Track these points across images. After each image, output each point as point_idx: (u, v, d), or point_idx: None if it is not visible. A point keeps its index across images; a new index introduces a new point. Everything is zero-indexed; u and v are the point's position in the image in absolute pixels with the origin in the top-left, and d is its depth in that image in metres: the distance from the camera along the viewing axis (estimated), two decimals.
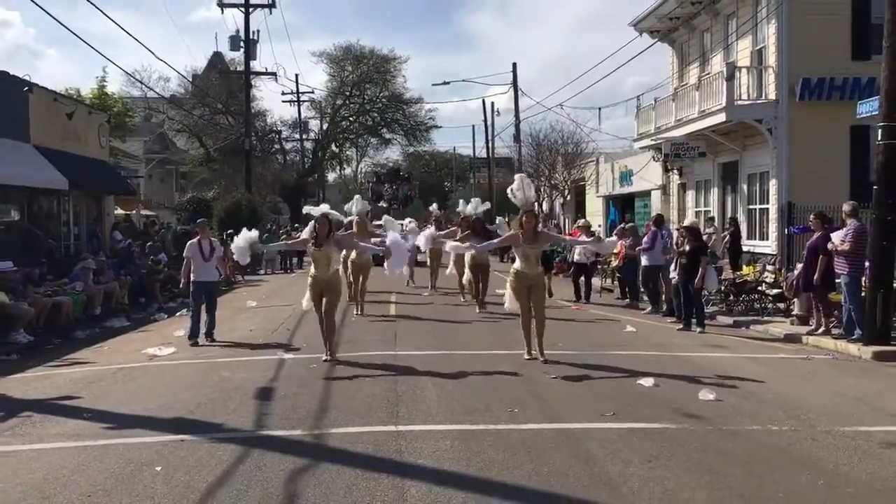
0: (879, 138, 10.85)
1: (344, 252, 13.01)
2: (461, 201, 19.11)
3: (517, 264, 10.13)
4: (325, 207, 10.38)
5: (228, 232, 26.29)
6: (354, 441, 6.36)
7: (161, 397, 8.19)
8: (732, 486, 5.25)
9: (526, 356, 9.89)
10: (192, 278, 11.97)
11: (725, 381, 8.68)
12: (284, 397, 7.96)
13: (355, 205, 16.43)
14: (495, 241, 12.80)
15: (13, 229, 17.43)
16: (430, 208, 23.11)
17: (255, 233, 10.47)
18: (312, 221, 10.22)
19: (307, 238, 10.31)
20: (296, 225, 36.24)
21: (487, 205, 18.64)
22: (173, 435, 6.61)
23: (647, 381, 8.51)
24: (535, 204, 10.86)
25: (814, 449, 6.17)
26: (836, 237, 11.51)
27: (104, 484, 5.42)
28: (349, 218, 16.04)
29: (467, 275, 15.67)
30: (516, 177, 11.13)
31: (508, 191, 10.68)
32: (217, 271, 12.35)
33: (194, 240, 12.24)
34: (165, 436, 6.61)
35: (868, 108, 12.16)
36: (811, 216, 12.48)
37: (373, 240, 14.19)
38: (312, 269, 10.11)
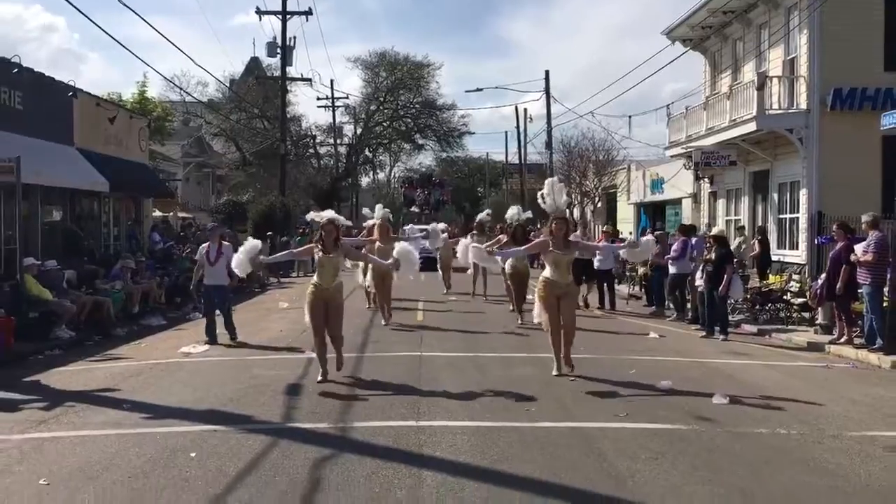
0: None
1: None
2: (487, 215, 19.15)
3: (547, 272, 9.56)
4: (329, 213, 9.69)
5: (268, 234, 26.92)
6: (376, 434, 6.71)
7: (195, 391, 8.61)
8: (734, 484, 5.49)
9: (555, 372, 9.34)
10: (203, 281, 12.58)
11: (741, 386, 8.89)
12: (311, 394, 8.33)
13: (377, 210, 16.36)
14: (522, 248, 11.56)
15: (56, 229, 18.06)
16: (479, 216, 21.31)
17: (257, 243, 9.97)
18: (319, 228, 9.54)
19: (313, 245, 9.58)
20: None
21: (529, 213, 18.00)
22: (207, 425, 7.01)
23: (665, 384, 8.74)
24: (567, 210, 10.33)
25: (819, 452, 6.37)
26: (859, 248, 11.62)
27: (143, 467, 5.83)
28: (369, 221, 16.23)
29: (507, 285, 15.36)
30: (546, 181, 10.62)
31: (539, 196, 10.32)
32: (227, 276, 12.16)
33: (205, 244, 12.73)
34: (199, 426, 7.02)
35: (891, 119, 12.23)
36: (834, 226, 12.57)
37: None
38: (315, 278, 9.39)
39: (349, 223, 11.06)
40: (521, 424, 7.07)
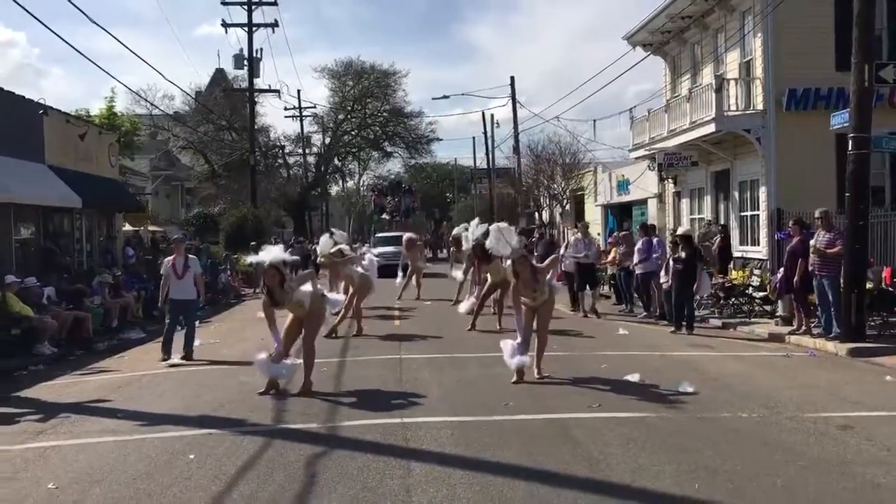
0: (850, 149, 11.58)
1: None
2: (465, 229, 18.29)
3: (523, 298, 9.45)
4: (269, 255, 9.01)
5: (252, 244, 26.98)
6: (365, 432, 7.10)
7: (185, 399, 8.92)
8: (698, 462, 5.96)
9: (514, 379, 9.12)
10: (168, 296, 12.03)
11: (706, 376, 9.43)
12: (299, 397, 8.67)
13: (320, 245, 16.13)
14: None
15: (30, 247, 18.16)
16: (456, 231, 21.19)
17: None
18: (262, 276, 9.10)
19: (265, 300, 9.05)
20: (300, 238, 36.96)
21: (485, 227, 17.11)
22: (201, 429, 7.35)
23: (634, 377, 9.23)
24: (521, 250, 9.85)
25: (777, 432, 6.87)
26: (822, 241, 12.05)
27: (145, 469, 6.16)
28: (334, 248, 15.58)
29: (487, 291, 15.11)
30: (491, 229, 10.26)
31: (489, 242, 10.23)
32: (194, 290, 12.15)
33: (170, 257, 12.27)
34: (194, 430, 7.35)
35: (840, 119, 12.87)
36: (790, 222, 13.17)
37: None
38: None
39: (286, 257, 9.54)
40: (500, 418, 7.50)
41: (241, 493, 5.53)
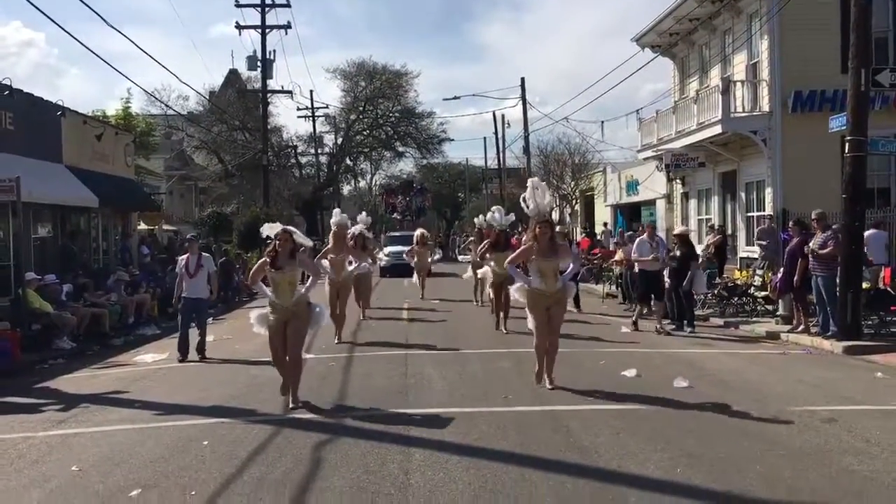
0: (846, 151, 11.85)
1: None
2: (483, 216, 17.55)
3: (533, 282, 8.87)
4: (278, 227, 8.55)
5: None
6: (368, 421, 7.49)
7: (199, 391, 9.33)
8: (683, 450, 6.30)
9: (537, 383, 8.91)
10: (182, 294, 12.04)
11: (702, 372, 9.75)
12: (309, 389, 9.01)
13: (334, 216, 14.41)
14: (508, 259, 9.76)
15: (49, 245, 18.64)
16: (476, 220, 20.07)
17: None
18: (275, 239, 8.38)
19: (264, 260, 8.52)
20: (313, 237, 37.37)
21: (512, 217, 16.32)
22: (214, 418, 7.77)
23: (631, 372, 9.56)
24: (551, 212, 9.30)
25: (763, 424, 7.19)
26: (816, 242, 12.38)
27: (162, 453, 6.56)
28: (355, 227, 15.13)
29: (489, 292, 14.72)
30: (529, 182, 9.70)
31: (521, 199, 9.57)
32: (206, 289, 12.18)
33: (184, 256, 12.35)
34: (208, 419, 7.76)
35: (838, 122, 13.14)
36: (790, 223, 13.44)
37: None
38: (272, 296, 8.40)
39: (310, 243, 9.46)
40: (498, 409, 7.87)
41: (251, 475, 5.91)
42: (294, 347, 8.31)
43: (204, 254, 12.67)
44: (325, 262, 13.17)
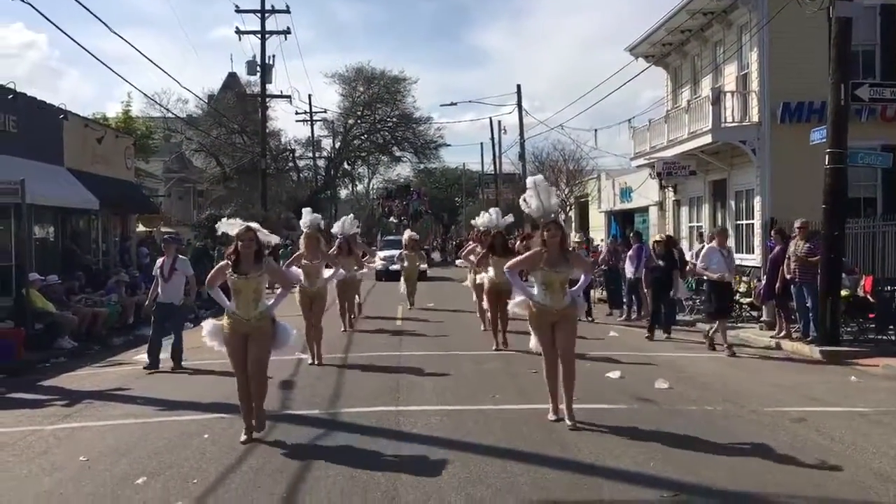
0: (826, 163, 12.26)
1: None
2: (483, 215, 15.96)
3: (536, 295, 7.65)
4: (238, 223, 7.40)
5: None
6: (362, 417, 7.88)
7: (199, 388, 9.72)
8: (658, 446, 6.69)
9: (551, 416, 7.64)
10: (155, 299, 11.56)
11: (682, 374, 10.15)
12: (304, 387, 9.46)
13: (304, 216, 13.03)
14: (508, 263, 8.22)
15: (51, 246, 18.98)
16: (473, 222, 18.53)
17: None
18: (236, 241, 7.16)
19: (225, 263, 7.25)
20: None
21: (510, 218, 15.46)
22: (214, 414, 8.14)
23: (614, 374, 9.95)
24: (558, 214, 8.29)
25: (736, 423, 7.58)
26: (802, 249, 12.71)
27: (165, 445, 6.93)
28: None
29: (485, 302, 13.44)
30: (529, 181, 8.47)
31: (521, 200, 8.39)
32: (181, 293, 11.57)
33: (161, 258, 11.77)
34: (208, 414, 8.14)
35: (819, 135, 13.56)
36: (772, 232, 13.84)
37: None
38: (232, 306, 7.17)
39: (274, 239, 8.03)
40: (486, 407, 8.25)
41: (250, 466, 6.29)
42: (258, 374, 7.11)
43: (181, 257, 11.91)
44: (297, 269, 11.67)
